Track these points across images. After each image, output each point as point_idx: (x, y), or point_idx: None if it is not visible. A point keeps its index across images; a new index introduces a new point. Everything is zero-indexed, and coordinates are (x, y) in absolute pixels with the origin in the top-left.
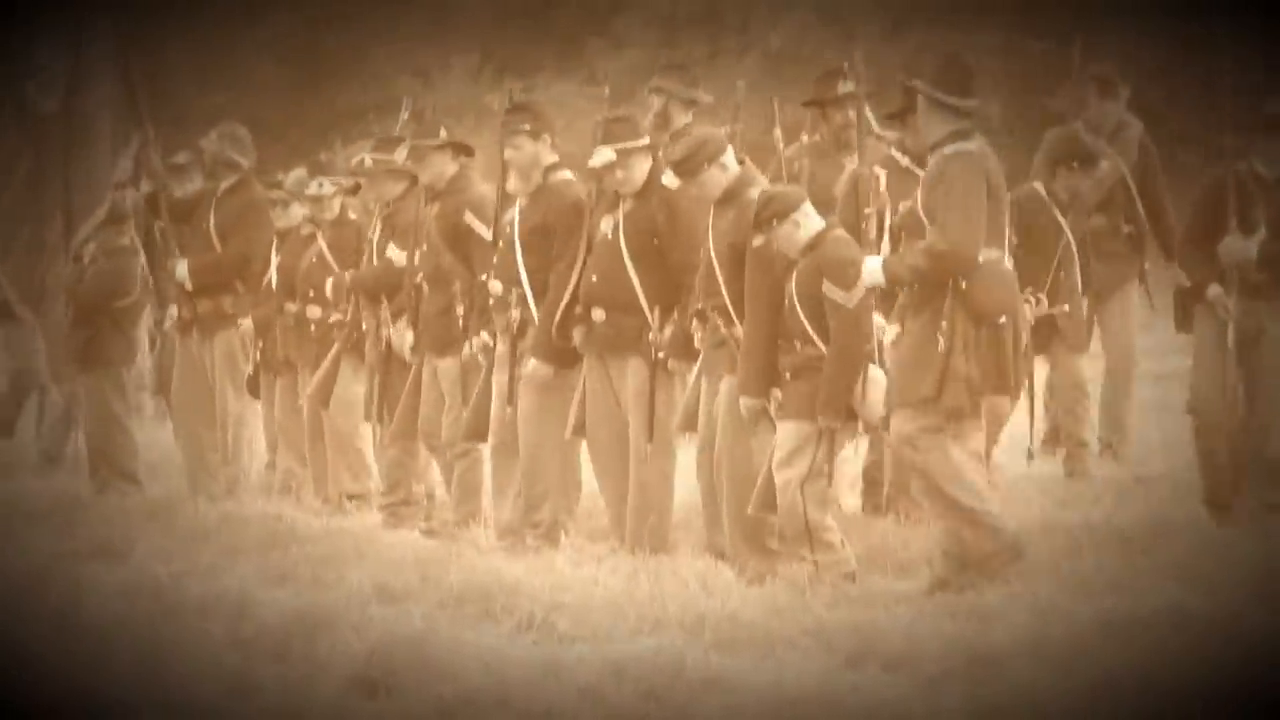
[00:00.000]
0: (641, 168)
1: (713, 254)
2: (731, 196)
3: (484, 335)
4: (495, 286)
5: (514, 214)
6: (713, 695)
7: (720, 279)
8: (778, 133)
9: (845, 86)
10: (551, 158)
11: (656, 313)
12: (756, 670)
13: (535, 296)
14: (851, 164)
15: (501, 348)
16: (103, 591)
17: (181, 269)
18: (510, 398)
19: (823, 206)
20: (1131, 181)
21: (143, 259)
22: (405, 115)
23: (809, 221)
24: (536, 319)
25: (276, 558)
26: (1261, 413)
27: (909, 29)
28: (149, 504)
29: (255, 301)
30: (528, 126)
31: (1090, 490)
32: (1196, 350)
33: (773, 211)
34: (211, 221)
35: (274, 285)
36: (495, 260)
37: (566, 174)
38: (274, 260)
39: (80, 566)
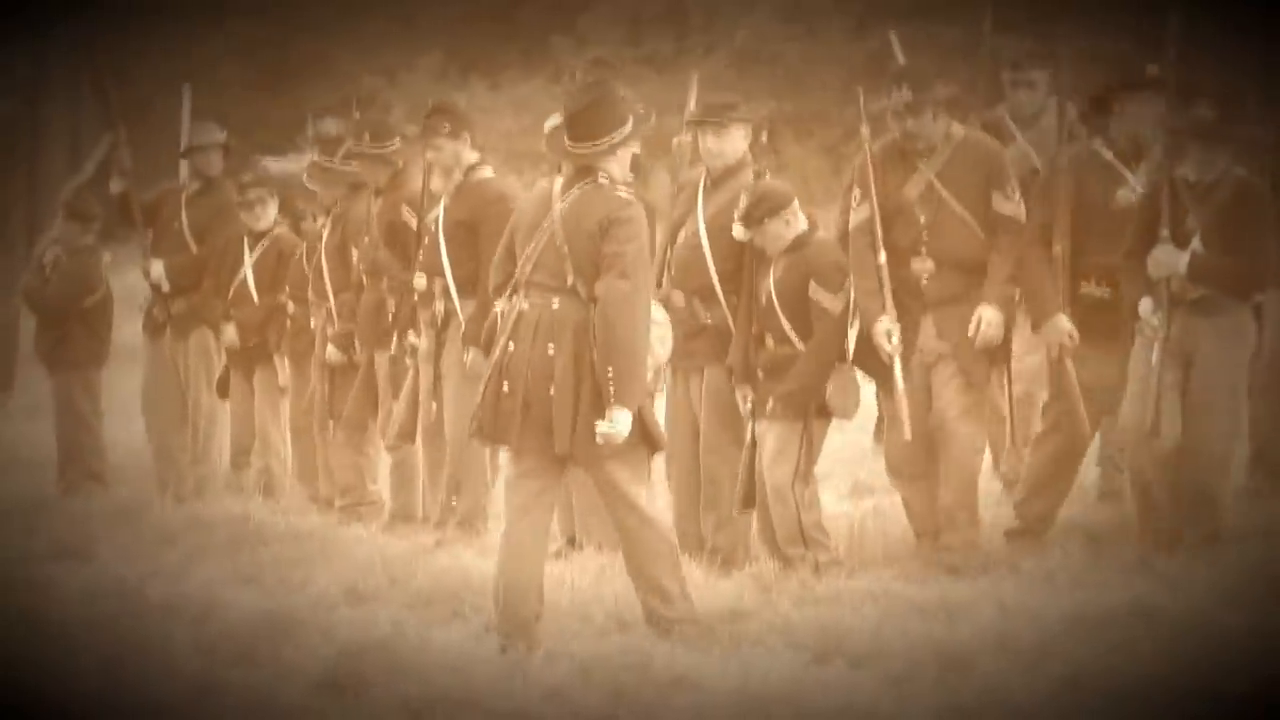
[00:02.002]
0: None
1: (704, 235)
2: (725, 178)
3: (410, 336)
4: (420, 281)
5: (439, 211)
6: (680, 694)
7: (710, 260)
8: (865, 130)
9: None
10: (472, 156)
11: None
12: (724, 669)
13: (459, 290)
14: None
15: (426, 342)
16: (67, 593)
17: (157, 269)
18: (435, 391)
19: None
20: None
21: (107, 257)
22: (356, 115)
23: (796, 221)
24: (460, 312)
25: (243, 559)
26: (1194, 439)
27: (872, 28)
28: (114, 505)
29: (232, 301)
30: (447, 127)
31: None
32: (1130, 372)
33: (766, 208)
34: (184, 221)
35: (251, 285)
36: (420, 256)
37: (487, 172)
38: (249, 260)
39: (44, 567)
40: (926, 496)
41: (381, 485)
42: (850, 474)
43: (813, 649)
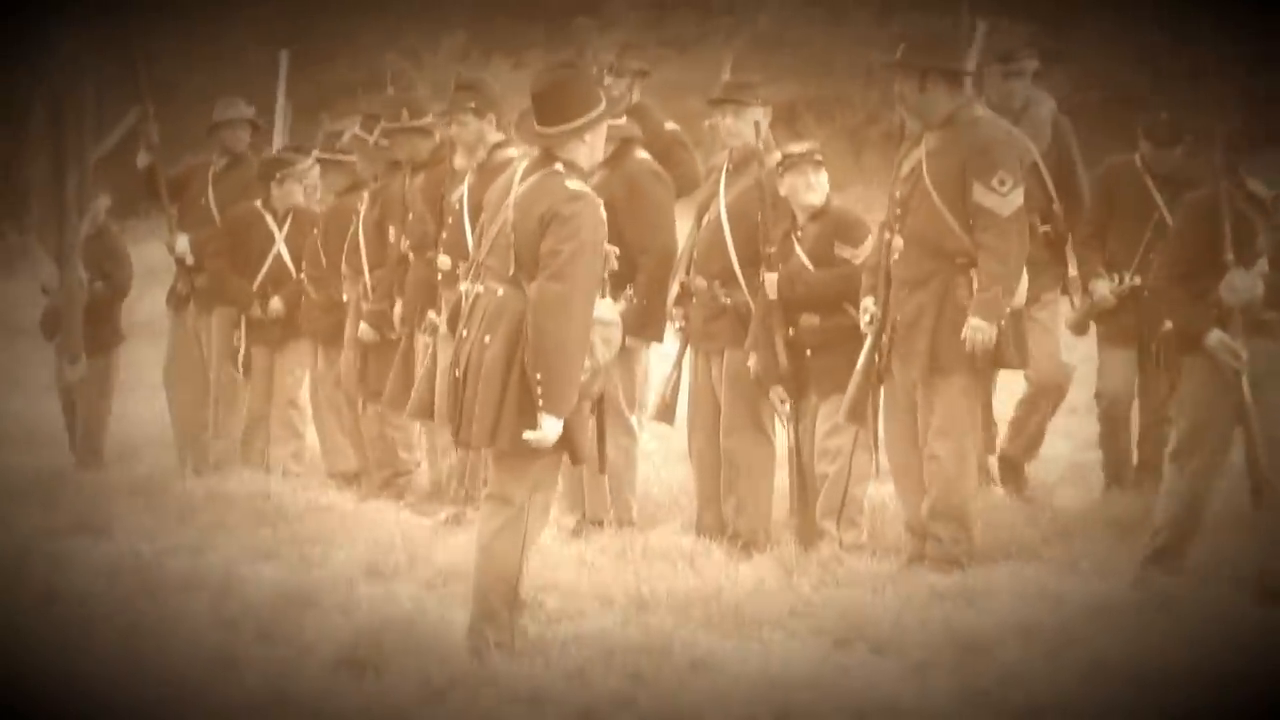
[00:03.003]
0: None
1: (725, 218)
2: (746, 163)
3: (430, 314)
4: (444, 261)
5: (463, 190)
6: (700, 677)
7: (730, 243)
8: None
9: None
10: (496, 136)
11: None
12: (744, 653)
13: None
14: None
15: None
16: (86, 568)
17: (182, 243)
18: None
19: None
20: (1045, 169)
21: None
22: (390, 92)
23: (823, 184)
24: None
25: (263, 536)
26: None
27: (897, 10)
28: (134, 480)
29: (268, 277)
30: (473, 104)
31: (1079, 476)
32: (1193, 408)
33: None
34: (210, 196)
35: (288, 259)
36: (444, 235)
37: (511, 151)
38: (280, 237)
39: (64, 542)
40: (910, 493)
41: (413, 457)
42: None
43: (833, 633)
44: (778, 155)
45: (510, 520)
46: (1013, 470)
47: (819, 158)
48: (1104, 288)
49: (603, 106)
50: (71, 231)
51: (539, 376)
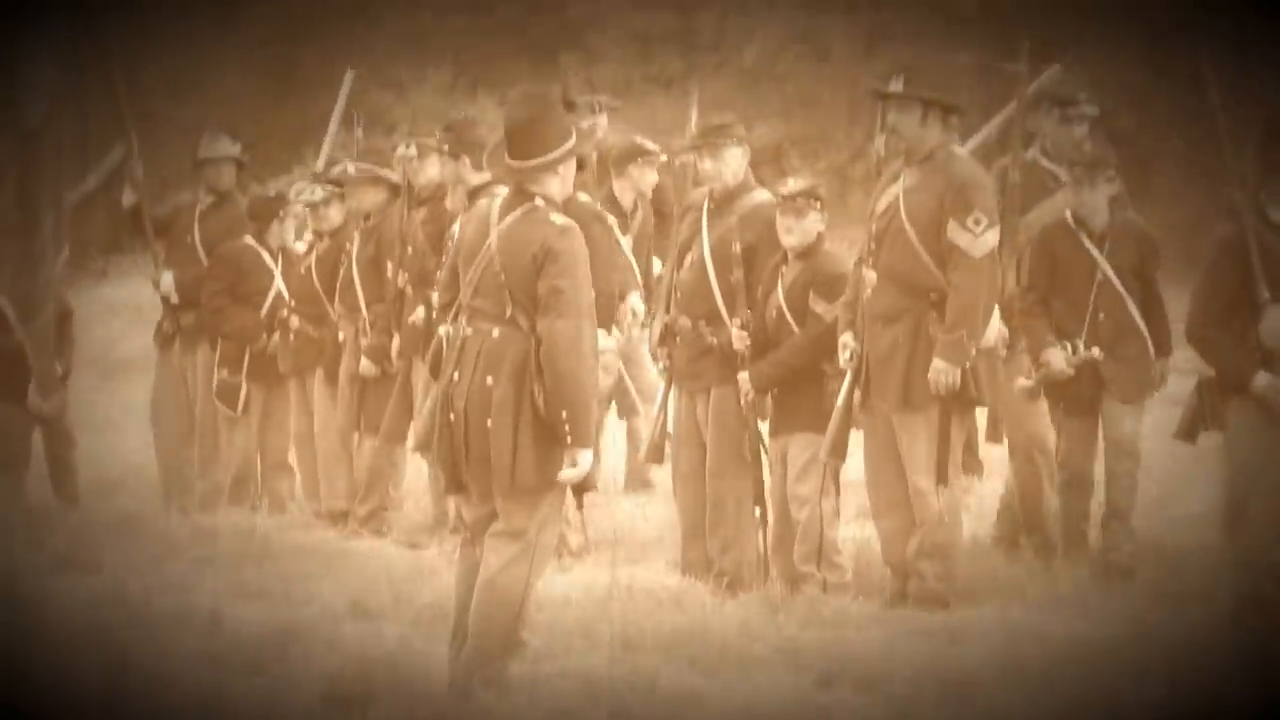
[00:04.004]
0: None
1: (709, 260)
2: (728, 202)
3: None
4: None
5: (454, 230)
6: (685, 715)
7: (715, 284)
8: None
9: None
10: (479, 177)
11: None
12: (729, 690)
13: None
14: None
15: None
16: (72, 603)
17: (167, 281)
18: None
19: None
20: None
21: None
22: (359, 132)
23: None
24: None
25: (249, 573)
26: None
27: (882, 49)
28: (120, 516)
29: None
30: (446, 146)
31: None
32: (1240, 458)
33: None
34: (196, 235)
35: (288, 298)
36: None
37: (498, 191)
38: (278, 273)
39: (50, 578)
40: (893, 531)
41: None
42: (856, 498)
43: (818, 671)
44: (762, 194)
45: (517, 556)
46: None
47: (800, 203)
48: (1059, 358)
49: (574, 140)
50: (48, 268)
51: (564, 414)
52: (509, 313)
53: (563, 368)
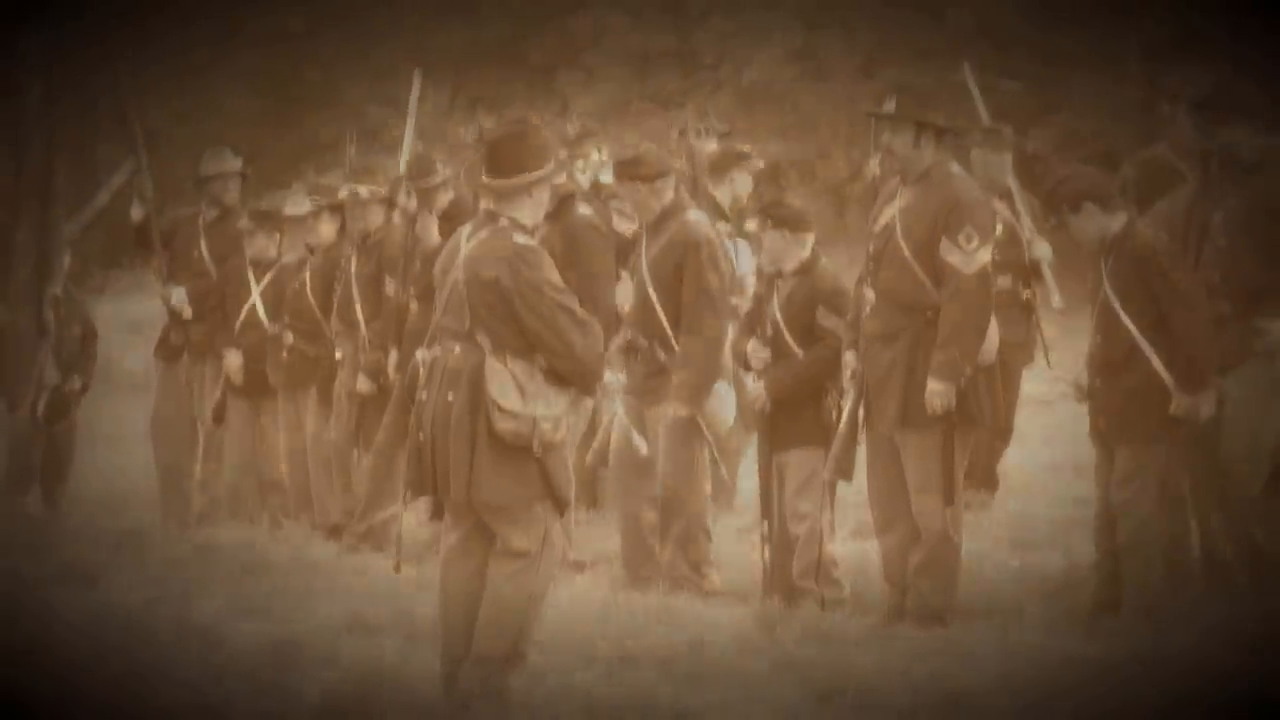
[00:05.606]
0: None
1: (647, 280)
2: (664, 221)
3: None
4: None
5: None
6: None
7: (656, 304)
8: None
9: None
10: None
11: None
12: (727, 706)
13: None
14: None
15: None
16: (71, 618)
17: (179, 295)
18: None
19: None
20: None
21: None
22: (352, 150)
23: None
24: None
25: (248, 588)
26: None
27: (881, 68)
28: (120, 530)
29: (240, 330)
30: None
31: (1061, 531)
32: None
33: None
34: (204, 248)
35: (261, 313)
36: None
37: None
38: (255, 289)
39: (49, 592)
40: (894, 547)
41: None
42: (854, 515)
43: (816, 687)
44: (694, 214)
45: (522, 569)
46: None
47: (770, 222)
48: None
49: (551, 166)
50: (38, 285)
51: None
52: (468, 326)
53: (586, 387)
